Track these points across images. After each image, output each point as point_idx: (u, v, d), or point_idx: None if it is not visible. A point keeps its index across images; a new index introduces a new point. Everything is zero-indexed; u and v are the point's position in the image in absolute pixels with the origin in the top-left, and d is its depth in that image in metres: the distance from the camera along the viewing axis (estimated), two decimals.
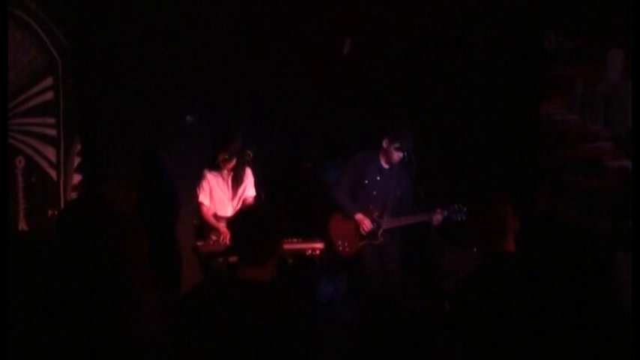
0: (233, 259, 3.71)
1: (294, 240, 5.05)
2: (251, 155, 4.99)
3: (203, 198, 5.07)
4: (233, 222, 2.68)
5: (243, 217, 2.65)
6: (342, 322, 5.23)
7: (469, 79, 6.12)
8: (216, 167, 5.05)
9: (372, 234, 5.36)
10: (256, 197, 5.20)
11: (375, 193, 5.40)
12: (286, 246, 4.66)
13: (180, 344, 2.37)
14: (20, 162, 4.65)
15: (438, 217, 5.26)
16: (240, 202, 5.12)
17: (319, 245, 5.08)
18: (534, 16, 5.83)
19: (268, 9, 5.77)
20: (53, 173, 4.82)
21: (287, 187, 6.06)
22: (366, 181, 5.39)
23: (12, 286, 2.00)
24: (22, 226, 4.60)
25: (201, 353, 2.34)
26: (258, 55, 5.80)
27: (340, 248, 5.34)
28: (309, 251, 5.04)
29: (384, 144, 5.32)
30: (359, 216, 5.34)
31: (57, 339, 1.91)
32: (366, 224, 5.33)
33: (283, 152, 6.18)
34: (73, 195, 4.90)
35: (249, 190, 5.17)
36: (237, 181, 5.11)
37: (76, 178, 4.95)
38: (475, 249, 5.32)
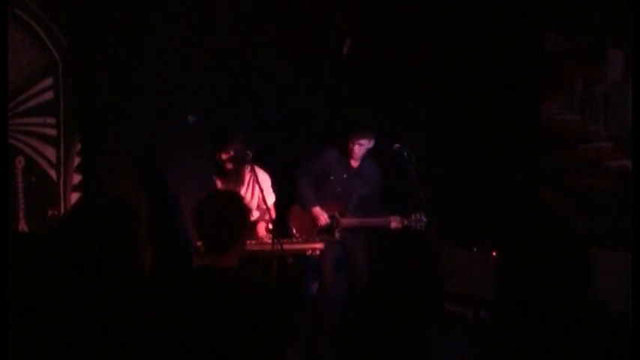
0: None
1: (294, 240, 5.05)
2: (251, 155, 4.97)
3: None
4: (195, 211, 2.67)
5: (204, 206, 2.66)
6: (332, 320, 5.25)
7: (469, 79, 6.12)
8: (221, 172, 5.03)
9: (329, 230, 5.34)
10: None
11: (339, 190, 5.37)
12: (286, 246, 4.67)
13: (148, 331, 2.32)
14: (20, 162, 4.64)
15: (394, 224, 5.24)
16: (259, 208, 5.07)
17: (319, 245, 5.07)
18: (534, 16, 5.83)
19: (268, 9, 5.77)
20: (53, 173, 4.82)
21: (287, 186, 6.04)
22: (332, 177, 5.37)
23: (12, 287, 2.00)
24: (22, 226, 4.59)
25: (170, 342, 2.28)
26: (258, 54, 5.80)
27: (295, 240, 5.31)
28: (309, 251, 5.04)
29: (348, 140, 5.31)
30: (316, 210, 5.31)
31: (57, 339, 1.91)
32: (322, 219, 5.30)
33: (283, 151, 6.16)
34: (74, 195, 4.90)
35: (268, 197, 4.95)
36: (237, 181, 5.05)
37: (76, 178, 4.94)
38: (475, 249, 5.35)
